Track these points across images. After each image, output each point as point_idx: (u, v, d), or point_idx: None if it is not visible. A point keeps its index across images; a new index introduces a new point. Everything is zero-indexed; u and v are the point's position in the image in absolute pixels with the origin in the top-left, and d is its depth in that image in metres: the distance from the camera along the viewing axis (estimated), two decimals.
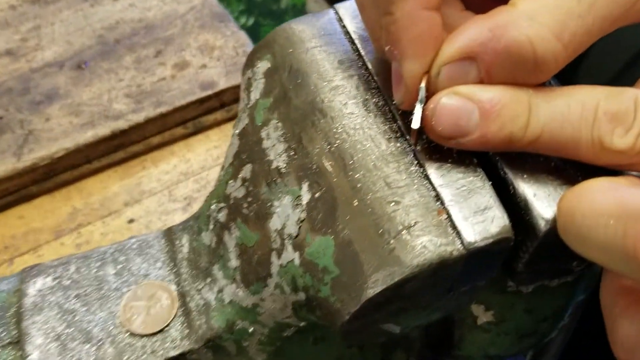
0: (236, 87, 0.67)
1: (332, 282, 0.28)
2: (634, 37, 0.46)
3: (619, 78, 0.46)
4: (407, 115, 0.29)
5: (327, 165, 0.29)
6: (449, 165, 0.28)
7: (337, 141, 0.30)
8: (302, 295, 0.30)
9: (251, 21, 1.88)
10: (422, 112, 0.27)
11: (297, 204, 0.30)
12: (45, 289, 0.37)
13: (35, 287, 0.37)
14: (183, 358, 0.35)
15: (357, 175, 0.28)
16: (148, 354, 0.35)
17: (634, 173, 0.27)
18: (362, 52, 0.32)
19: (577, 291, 0.38)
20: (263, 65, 0.34)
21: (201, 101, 0.66)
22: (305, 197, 0.30)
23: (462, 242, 0.26)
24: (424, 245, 0.26)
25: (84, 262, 0.38)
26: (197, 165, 0.64)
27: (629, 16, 0.27)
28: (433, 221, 0.27)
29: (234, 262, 0.33)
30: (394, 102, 0.30)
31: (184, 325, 0.35)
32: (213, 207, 0.35)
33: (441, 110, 0.27)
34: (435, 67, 0.27)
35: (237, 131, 0.34)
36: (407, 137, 0.29)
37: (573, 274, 0.33)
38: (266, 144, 0.32)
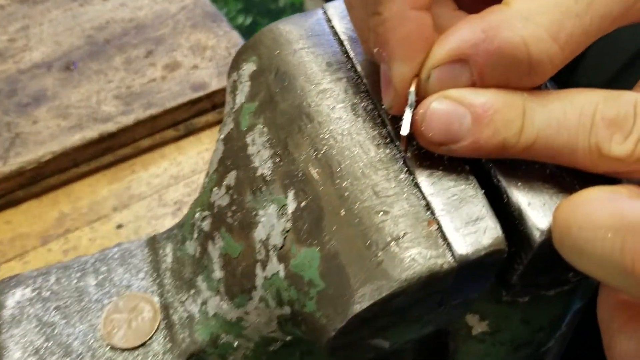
0: None
1: (318, 296, 0.27)
2: (633, 36, 0.45)
3: (618, 79, 0.45)
4: (397, 120, 0.28)
5: (314, 172, 0.28)
6: (440, 172, 0.27)
7: (324, 147, 0.28)
8: (287, 310, 0.29)
9: (249, 20, 1.87)
10: (412, 117, 0.26)
11: (282, 213, 0.29)
12: (24, 300, 0.36)
13: (13, 298, 0.36)
14: None
15: (345, 183, 0.27)
16: None
17: (634, 181, 0.26)
18: (351, 54, 0.31)
19: (574, 300, 0.37)
20: (249, 68, 0.33)
21: (192, 103, 0.65)
22: (291, 206, 0.28)
23: (453, 255, 0.25)
24: (413, 258, 0.25)
25: (65, 273, 0.37)
26: (188, 168, 0.63)
27: (629, 15, 0.26)
28: (423, 232, 0.25)
29: (218, 274, 0.32)
30: (383, 106, 0.28)
31: (167, 338, 0.34)
32: (197, 215, 0.34)
33: (431, 115, 0.26)
34: (425, 70, 0.26)
35: (222, 136, 0.33)
36: (397, 143, 0.28)
37: (570, 284, 0.32)
38: (251, 150, 0.31)
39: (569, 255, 0.24)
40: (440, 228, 0.25)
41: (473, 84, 0.26)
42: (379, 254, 0.25)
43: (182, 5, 0.73)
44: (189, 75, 0.66)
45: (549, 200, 0.26)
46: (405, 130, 0.26)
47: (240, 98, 0.32)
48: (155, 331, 0.34)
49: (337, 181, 0.27)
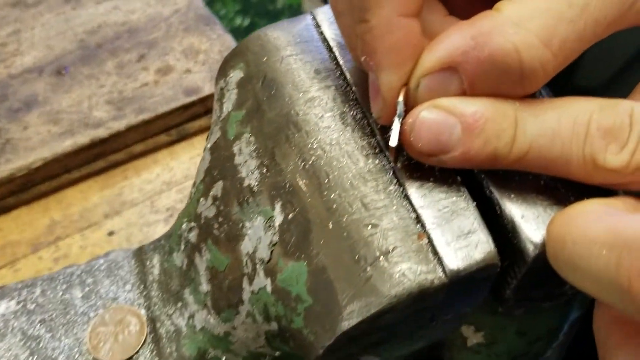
0: None
1: (305, 312, 0.26)
2: (632, 37, 0.44)
3: (617, 80, 0.44)
4: (387, 129, 0.27)
5: (301, 184, 0.27)
6: (430, 184, 0.26)
7: (312, 158, 0.27)
8: (274, 325, 0.28)
9: (247, 22, 1.87)
10: (401, 127, 0.25)
11: (269, 226, 0.28)
12: (9, 313, 0.35)
13: None
14: None
15: (333, 195, 0.26)
16: None
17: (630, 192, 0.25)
18: (341, 61, 0.30)
19: (572, 310, 0.36)
20: (236, 75, 0.32)
21: (185, 107, 0.64)
22: (278, 218, 0.28)
23: (444, 270, 0.24)
24: (403, 273, 0.24)
25: (50, 285, 0.36)
26: (181, 174, 0.62)
27: (625, 20, 0.25)
28: (413, 246, 0.25)
29: (205, 287, 0.31)
30: (372, 116, 0.28)
31: (154, 352, 0.33)
32: (184, 226, 0.33)
33: (420, 125, 0.25)
34: (414, 79, 0.25)
35: (209, 145, 0.32)
36: (387, 153, 0.27)
37: (566, 297, 0.31)
38: (238, 159, 0.30)
39: (563, 271, 0.24)
40: (430, 242, 0.25)
41: (463, 93, 0.25)
42: (368, 269, 0.24)
43: (175, 8, 0.73)
44: (182, 79, 0.65)
45: (542, 212, 0.25)
46: (393, 141, 0.25)
47: (228, 106, 0.31)
48: (142, 345, 0.34)
49: (325, 193, 0.27)
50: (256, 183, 0.29)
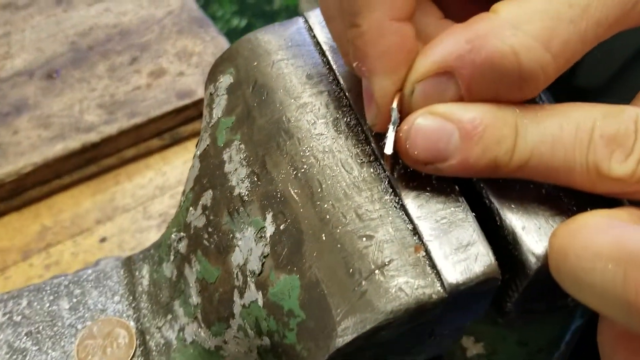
0: None
1: (298, 327, 0.25)
2: (633, 36, 0.43)
3: (618, 79, 0.43)
4: (382, 137, 0.26)
5: (293, 193, 0.26)
6: (427, 194, 0.25)
7: (304, 166, 0.26)
8: (266, 340, 0.27)
9: (244, 23, 1.85)
10: (396, 134, 0.24)
11: (260, 237, 0.27)
12: None
13: None
14: None
15: (326, 205, 0.25)
16: None
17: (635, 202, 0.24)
18: (334, 66, 0.29)
19: (574, 319, 0.36)
20: (226, 80, 0.31)
21: (178, 111, 0.63)
22: (269, 229, 0.26)
23: (442, 284, 0.23)
24: (400, 288, 0.23)
25: (37, 296, 0.35)
26: (174, 179, 0.61)
27: (629, 19, 0.24)
28: (410, 259, 0.24)
29: (195, 299, 0.30)
30: (367, 122, 0.27)
31: None
32: (173, 236, 0.32)
33: (416, 133, 0.24)
34: (408, 84, 0.24)
35: (198, 152, 0.31)
36: (382, 161, 0.26)
37: (569, 308, 0.30)
38: (228, 167, 0.29)
39: (566, 285, 0.23)
40: (428, 255, 0.24)
41: (461, 99, 0.24)
42: (363, 283, 0.23)
43: (168, 10, 0.71)
44: (175, 82, 0.64)
45: (544, 223, 0.24)
46: (388, 149, 0.24)
47: (217, 112, 0.30)
48: (131, 358, 0.33)
49: (318, 203, 0.25)
50: (247, 192, 0.28)
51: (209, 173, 0.30)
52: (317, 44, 0.30)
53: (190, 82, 0.64)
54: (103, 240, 0.57)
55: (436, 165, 0.24)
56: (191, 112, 0.63)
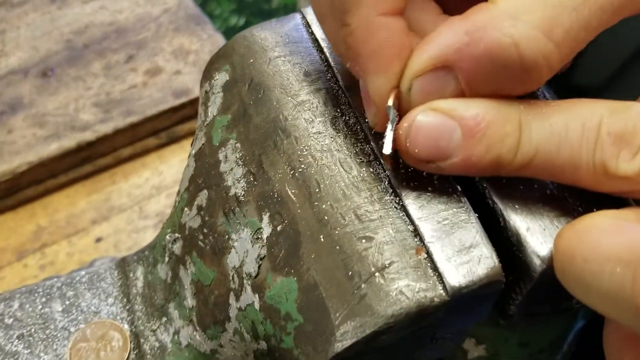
0: None
1: (296, 331, 0.24)
2: (633, 34, 0.42)
3: (618, 77, 0.42)
4: (382, 135, 0.25)
5: (291, 193, 0.26)
6: (429, 194, 0.24)
7: (302, 165, 0.26)
8: (263, 344, 0.26)
9: (242, 21, 1.85)
10: (396, 132, 0.23)
11: (256, 238, 0.26)
12: None
13: None
14: None
15: (324, 205, 0.25)
16: None
17: None
18: (332, 63, 0.28)
19: (577, 319, 0.35)
20: (221, 78, 0.30)
21: (174, 110, 0.62)
22: (266, 230, 0.26)
23: (444, 287, 0.22)
24: (400, 291, 0.22)
25: (29, 298, 0.34)
26: (171, 178, 0.61)
27: (634, 4, 0.23)
28: (411, 261, 0.23)
29: (190, 301, 0.30)
30: (366, 120, 0.26)
31: None
32: (168, 237, 0.31)
33: (417, 130, 0.23)
34: (405, 81, 0.23)
35: (194, 151, 0.31)
36: (382, 160, 0.25)
37: (573, 310, 0.29)
38: (224, 167, 0.28)
39: (572, 288, 0.22)
40: (430, 257, 0.23)
41: (461, 94, 0.23)
42: (362, 286, 0.23)
43: (164, 7, 0.71)
44: (171, 80, 0.64)
45: (549, 224, 0.23)
46: (387, 149, 0.23)
47: (213, 110, 0.30)
48: None
49: (316, 203, 0.25)
50: (243, 192, 0.27)
51: (204, 173, 0.29)
52: (315, 40, 0.29)
53: (187, 81, 0.64)
54: (99, 240, 0.57)
55: (437, 164, 0.23)
56: (188, 110, 0.63)
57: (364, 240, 0.23)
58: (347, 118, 0.27)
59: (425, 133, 0.23)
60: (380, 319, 0.22)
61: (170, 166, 0.61)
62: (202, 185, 0.29)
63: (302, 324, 0.24)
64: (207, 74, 0.31)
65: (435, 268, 0.23)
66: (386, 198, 0.24)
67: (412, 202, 0.24)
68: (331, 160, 0.26)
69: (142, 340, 0.32)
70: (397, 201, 0.24)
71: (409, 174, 0.25)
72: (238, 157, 0.28)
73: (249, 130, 0.28)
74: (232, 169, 0.28)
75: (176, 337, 0.31)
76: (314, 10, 0.26)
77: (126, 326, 0.33)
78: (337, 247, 0.24)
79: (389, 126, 0.23)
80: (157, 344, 0.32)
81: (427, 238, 0.23)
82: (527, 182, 0.24)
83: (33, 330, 0.33)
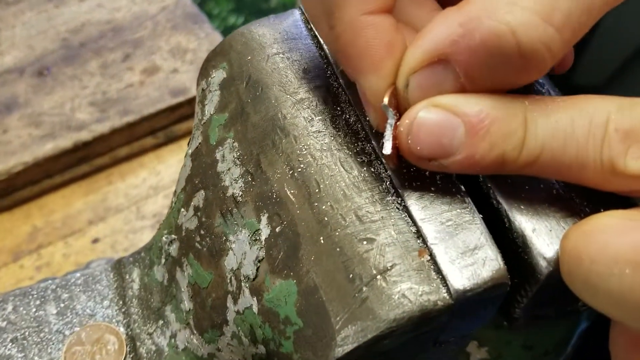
0: None
1: (295, 335, 0.23)
2: (633, 34, 0.42)
3: (618, 77, 0.42)
4: (383, 134, 0.24)
5: (289, 194, 0.25)
6: (431, 194, 0.24)
7: (301, 165, 0.25)
8: (262, 349, 0.25)
9: (241, 20, 1.84)
10: (396, 130, 0.23)
11: (255, 240, 0.25)
12: None
13: None
14: None
15: (324, 206, 0.24)
16: None
17: None
18: (331, 59, 0.28)
19: (581, 321, 0.34)
20: (218, 75, 0.29)
21: (172, 109, 0.61)
22: (265, 231, 0.25)
23: (448, 290, 0.22)
24: (403, 294, 0.22)
25: (23, 300, 0.34)
26: (168, 178, 0.60)
27: None
28: (413, 264, 0.22)
29: (187, 304, 0.29)
30: (367, 118, 0.25)
31: None
32: (164, 238, 0.31)
33: (419, 127, 0.22)
34: (401, 78, 0.22)
35: (190, 151, 0.30)
36: (383, 159, 0.25)
37: (579, 312, 0.29)
38: (221, 167, 0.28)
39: (579, 290, 0.21)
40: (433, 259, 0.22)
41: (462, 88, 0.22)
42: (364, 289, 0.22)
43: (162, 6, 0.70)
44: (169, 79, 0.63)
45: (556, 225, 0.23)
46: (387, 149, 0.22)
47: (210, 109, 0.29)
48: None
49: (316, 204, 0.24)
50: (240, 193, 0.26)
51: (201, 172, 0.29)
52: (315, 37, 0.29)
53: (185, 80, 0.63)
54: (95, 241, 0.56)
55: (440, 162, 0.22)
56: (185, 110, 0.62)
57: (365, 242, 0.23)
58: (347, 116, 0.26)
59: (427, 130, 0.22)
60: (382, 323, 0.21)
61: (168, 166, 0.61)
62: (199, 185, 0.28)
63: (301, 328, 0.23)
64: (204, 72, 0.30)
65: (438, 271, 0.22)
66: (388, 198, 0.24)
67: (415, 203, 0.23)
68: (331, 159, 0.25)
69: (138, 344, 0.31)
70: (399, 202, 0.24)
71: (411, 174, 0.24)
72: (236, 156, 0.27)
73: (246, 129, 0.27)
74: (229, 169, 0.27)
75: (173, 340, 0.30)
76: (308, 15, 0.25)
77: (122, 329, 0.32)
78: (338, 249, 0.23)
79: (388, 126, 0.23)
80: (153, 348, 0.31)
81: (430, 240, 0.23)
82: (532, 181, 0.24)
83: (27, 333, 0.33)
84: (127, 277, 0.33)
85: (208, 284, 0.27)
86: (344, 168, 0.25)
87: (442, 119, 0.22)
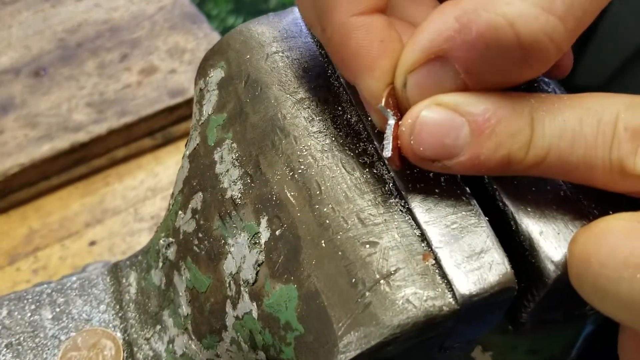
0: None
1: (296, 342, 0.23)
2: (632, 35, 0.41)
3: (617, 78, 0.41)
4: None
5: (290, 196, 0.24)
6: (436, 196, 0.23)
7: (302, 166, 0.24)
8: (262, 355, 0.25)
9: (239, 21, 1.84)
10: (397, 130, 0.22)
11: (254, 243, 0.25)
12: None
13: None
14: None
15: (325, 208, 0.23)
16: None
17: None
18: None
19: (586, 324, 0.34)
20: (216, 75, 0.29)
21: (170, 109, 0.61)
22: (264, 235, 0.24)
23: (453, 295, 0.21)
24: (407, 300, 0.21)
25: (17, 305, 0.33)
26: (167, 180, 0.59)
27: None
28: (417, 268, 0.22)
29: (185, 309, 0.28)
30: (369, 119, 0.25)
31: None
32: (162, 241, 0.30)
33: (421, 127, 0.22)
34: (398, 77, 0.22)
35: (188, 152, 0.29)
36: (385, 160, 0.24)
37: (587, 317, 0.28)
38: (219, 168, 0.27)
39: (588, 295, 0.21)
40: (438, 263, 0.22)
41: (463, 86, 0.22)
42: (367, 294, 0.21)
43: (159, 5, 0.69)
44: (167, 80, 0.62)
45: (564, 228, 0.22)
46: (387, 151, 0.22)
47: (207, 109, 0.28)
48: None
49: (317, 206, 0.23)
50: (239, 195, 0.26)
51: (198, 174, 0.28)
52: (315, 35, 0.28)
53: (183, 80, 0.62)
54: (92, 243, 0.55)
55: (443, 163, 0.22)
56: (184, 110, 0.61)
57: (367, 246, 0.22)
58: (348, 116, 0.25)
59: (430, 130, 0.22)
60: (385, 329, 0.21)
61: (166, 167, 0.60)
62: (197, 187, 0.28)
63: (302, 334, 0.23)
64: (202, 71, 0.30)
65: (443, 275, 0.21)
66: (391, 201, 0.23)
67: (419, 205, 0.23)
68: (332, 160, 0.24)
69: (135, 349, 0.31)
70: (402, 204, 0.23)
71: (415, 175, 0.23)
72: (234, 157, 0.26)
73: (245, 129, 0.26)
74: (228, 170, 0.27)
75: (171, 346, 0.29)
76: (303, 19, 0.25)
77: (119, 334, 0.31)
78: (340, 253, 0.22)
79: (388, 127, 0.22)
80: (151, 353, 0.30)
81: (435, 243, 0.22)
82: (539, 183, 0.23)
83: (22, 338, 0.32)
84: (124, 280, 0.32)
85: (206, 289, 0.27)
86: (345, 169, 0.24)
87: (446, 118, 0.21)
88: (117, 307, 0.32)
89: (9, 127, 0.58)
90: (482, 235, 0.22)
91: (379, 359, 0.22)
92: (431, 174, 0.23)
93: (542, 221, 0.22)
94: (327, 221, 0.23)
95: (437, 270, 0.22)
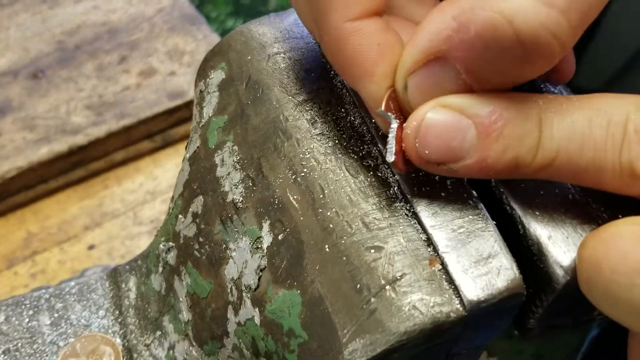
0: None
1: (300, 349, 0.22)
2: (633, 36, 0.41)
3: (618, 78, 0.41)
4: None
5: (292, 199, 0.24)
6: (442, 200, 0.22)
7: (304, 169, 0.24)
8: None
9: (239, 24, 1.83)
10: (400, 133, 0.21)
11: (256, 248, 0.24)
12: None
13: None
14: None
15: (329, 212, 0.23)
16: None
17: None
18: None
19: (592, 328, 0.33)
20: (217, 76, 0.28)
21: (169, 112, 0.60)
22: (266, 239, 0.24)
23: (461, 301, 0.21)
24: (414, 306, 0.21)
25: (15, 310, 0.33)
26: (166, 183, 0.59)
27: None
28: (424, 273, 0.21)
29: (185, 315, 0.28)
30: (372, 121, 0.24)
31: None
32: (162, 246, 0.30)
33: (427, 129, 0.21)
34: (398, 80, 0.21)
35: (188, 155, 0.29)
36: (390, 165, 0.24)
37: (594, 321, 0.28)
38: (220, 171, 0.26)
39: (598, 301, 0.20)
40: (445, 268, 0.21)
41: (466, 87, 0.21)
42: (372, 300, 0.21)
43: (158, 7, 0.69)
44: (166, 82, 0.62)
45: (572, 232, 0.22)
46: (390, 155, 0.21)
47: (208, 111, 0.28)
48: None
49: (320, 210, 0.23)
50: (241, 198, 0.25)
51: (199, 177, 0.28)
52: None
53: (182, 82, 0.62)
54: (91, 247, 0.55)
55: (449, 166, 0.21)
56: (183, 113, 0.61)
57: (372, 250, 0.22)
58: (352, 118, 0.25)
59: (436, 132, 0.21)
60: (392, 336, 0.20)
61: (166, 170, 0.60)
62: (198, 191, 0.27)
63: (306, 341, 0.22)
64: (202, 73, 0.29)
65: (451, 280, 0.21)
66: (396, 205, 0.23)
67: (424, 209, 0.22)
68: (336, 163, 0.24)
69: (135, 355, 0.30)
70: (407, 208, 0.23)
71: (420, 179, 0.23)
72: (235, 160, 0.26)
73: (247, 131, 0.26)
74: (229, 174, 0.26)
75: (171, 352, 0.29)
76: (304, 25, 0.25)
77: (118, 340, 0.31)
78: (344, 258, 0.22)
79: (390, 131, 0.21)
80: (151, 359, 0.30)
81: (442, 248, 0.21)
82: (547, 186, 0.23)
83: (20, 344, 0.32)
84: (124, 285, 0.32)
85: (207, 294, 0.26)
86: (349, 172, 0.24)
87: (452, 120, 0.21)
88: (117, 312, 0.32)
89: (6, 130, 0.58)
90: (489, 240, 0.21)
91: None
92: (437, 177, 0.23)
93: (551, 225, 0.22)
94: (331, 225, 0.23)
95: (444, 276, 0.21)
